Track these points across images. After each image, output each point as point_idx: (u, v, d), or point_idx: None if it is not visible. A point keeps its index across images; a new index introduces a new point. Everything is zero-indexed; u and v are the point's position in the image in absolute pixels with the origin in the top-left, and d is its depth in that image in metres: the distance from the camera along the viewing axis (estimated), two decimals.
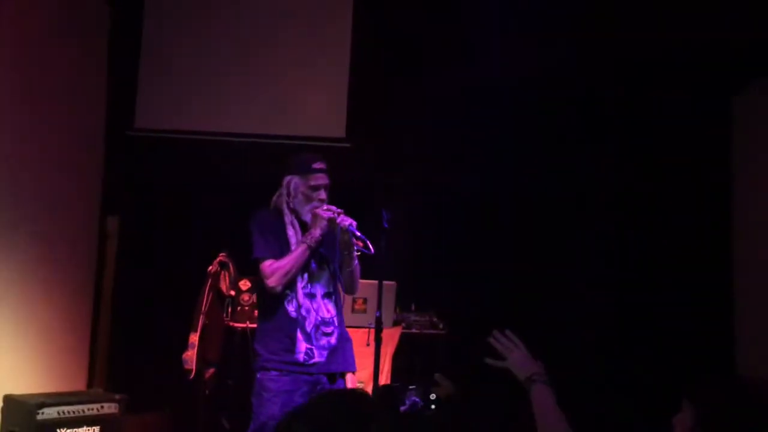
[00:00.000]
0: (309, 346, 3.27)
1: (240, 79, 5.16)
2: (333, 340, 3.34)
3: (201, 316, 4.79)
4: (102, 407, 3.97)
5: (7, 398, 3.84)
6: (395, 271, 4.44)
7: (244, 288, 4.94)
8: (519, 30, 4.93)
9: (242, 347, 4.74)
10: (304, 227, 3.35)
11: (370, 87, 5.20)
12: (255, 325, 3.72)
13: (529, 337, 2.23)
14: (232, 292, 4.94)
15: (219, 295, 4.92)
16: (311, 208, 3.34)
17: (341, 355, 3.37)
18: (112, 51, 5.00)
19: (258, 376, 3.30)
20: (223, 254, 4.93)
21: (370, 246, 3.23)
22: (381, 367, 3.49)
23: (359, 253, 3.34)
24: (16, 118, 4.19)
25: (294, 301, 3.30)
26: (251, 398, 3.30)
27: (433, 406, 3.26)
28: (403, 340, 5.03)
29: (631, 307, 5.17)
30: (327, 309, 3.36)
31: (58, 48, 4.54)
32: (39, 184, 4.38)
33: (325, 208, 3.33)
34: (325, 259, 3.39)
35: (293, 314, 3.29)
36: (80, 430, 3.86)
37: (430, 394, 3.28)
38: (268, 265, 3.27)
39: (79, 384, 4.64)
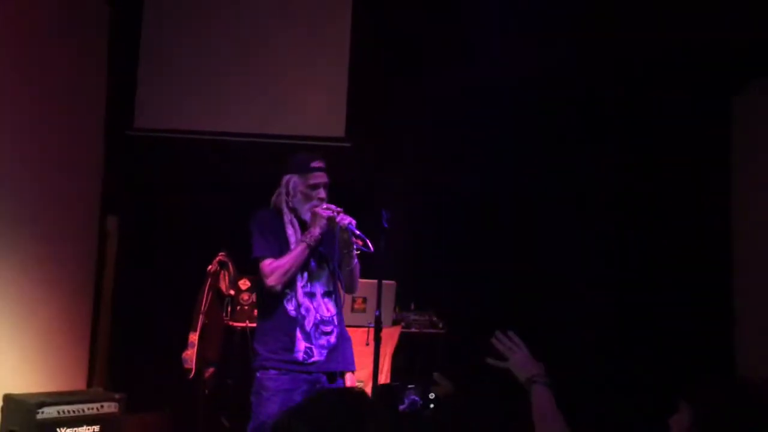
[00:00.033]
0: (308, 345, 3.27)
1: (239, 79, 5.16)
2: (332, 339, 3.34)
3: (200, 316, 4.79)
4: (102, 406, 3.97)
5: (7, 397, 3.85)
6: (395, 270, 4.43)
7: (243, 287, 4.94)
8: (519, 30, 4.93)
9: (242, 346, 4.74)
10: (304, 226, 3.35)
11: (369, 87, 5.20)
12: (254, 325, 3.72)
13: (528, 337, 2.23)
14: (232, 292, 4.95)
15: (218, 295, 4.93)
16: (310, 207, 3.34)
17: (341, 354, 3.37)
18: (111, 51, 5.01)
19: (257, 375, 3.30)
20: (223, 253, 4.94)
21: (370, 244, 3.23)
22: (380, 366, 3.49)
23: (359, 252, 3.34)
24: (16, 118, 4.19)
25: (293, 300, 3.30)
26: (251, 397, 3.30)
27: (432, 405, 3.26)
28: (403, 339, 5.03)
29: (631, 307, 5.17)
30: (327, 308, 3.36)
31: (58, 48, 4.54)
32: (39, 184, 4.39)
33: (324, 206, 3.33)
34: (325, 257, 3.39)
35: (292, 313, 3.29)
36: (80, 429, 3.86)
37: (429, 394, 3.28)
38: (267, 264, 3.27)
39: (78, 383, 4.65)
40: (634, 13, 4.73)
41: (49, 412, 3.75)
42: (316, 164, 3.38)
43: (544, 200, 5.34)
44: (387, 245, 3.30)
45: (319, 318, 3.32)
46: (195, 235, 5.20)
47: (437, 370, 3.41)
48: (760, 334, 4.81)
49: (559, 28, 4.89)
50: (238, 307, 4.95)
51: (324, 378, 3.31)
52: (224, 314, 4.97)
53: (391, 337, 4.91)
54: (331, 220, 3.29)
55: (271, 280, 3.25)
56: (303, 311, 3.29)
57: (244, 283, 4.94)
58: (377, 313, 3.35)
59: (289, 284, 3.29)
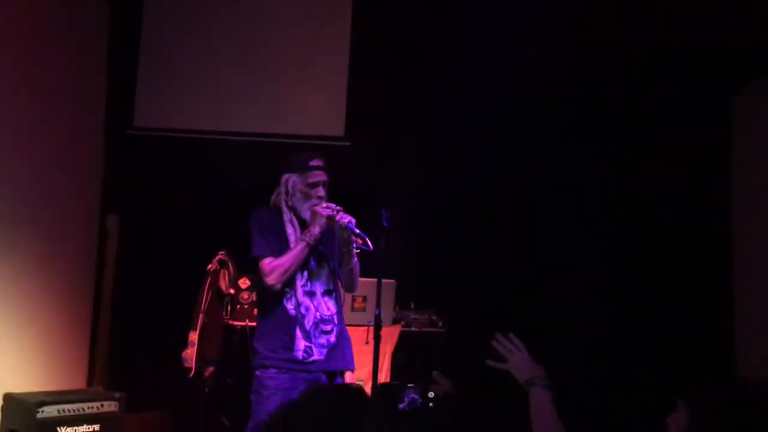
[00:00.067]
0: (308, 343, 3.28)
1: (239, 79, 5.17)
2: (332, 338, 3.34)
3: (200, 315, 4.79)
4: (102, 405, 3.97)
5: (7, 397, 3.85)
6: (395, 269, 4.44)
7: (243, 286, 4.95)
8: (519, 30, 4.93)
9: (242, 345, 4.74)
10: (303, 225, 3.35)
11: (369, 87, 5.21)
12: (254, 323, 3.72)
13: (528, 337, 2.23)
14: (232, 291, 4.95)
15: (218, 294, 4.93)
16: (310, 206, 3.35)
17: (340, 353, 3.37)
18: (111, 50, 5.01)
19: (257, 373, 3.30)
20: (223, 252, 4.94)
21: (369, 243, 3.23)
22: (380, 365, 3.49)
23: (358, 251, 3.34)
24: (16, 118, 4.19)
25: (293, 299, 3.30)
26: (250, 396, 3.31)
27: (431, 404, 3.26)
28: (403, 338, 5.03)
29: (631, 307, 5.17)
30: (327, 306, 3.36)
31: (58, 48, 4.55)
32: (39, 184, 4.39)
33: (323, 205, 3.34)
34: (325, 256, 3.39)
35: (292, 312, 3.29)
36: (80, 428, 3.86)
37: (428, 392, 3.27)
38: (267, 263, 3.28)
39: (79, 382, 4.65)
40: (634, 13, 4.73)
41: (49, 411, 3.75)
42: (315, 163, 3.39)
43: (544, 200, 5.34)
44: (387, 244, 3.30)
45: (319, 317, 3.32)
46: (195, 235, 5.20)
47: (437, 369, 3.40)
48: (760, 334, 4.81)
49: (559, 28, 4.89)
50: (238, 306, 4.95)
51: (324, 377, 3.32)
52: (224, 313, 4.97)
53: (390, 335, 4.91)
54: (330, 218, 3.29)
55: (271, 279, 3.26)
56: (303, 310, 3.29)
57: (244, 282, 4.95)
58: (377, 312, 3.35)
59: (289, 283, 3.30)
